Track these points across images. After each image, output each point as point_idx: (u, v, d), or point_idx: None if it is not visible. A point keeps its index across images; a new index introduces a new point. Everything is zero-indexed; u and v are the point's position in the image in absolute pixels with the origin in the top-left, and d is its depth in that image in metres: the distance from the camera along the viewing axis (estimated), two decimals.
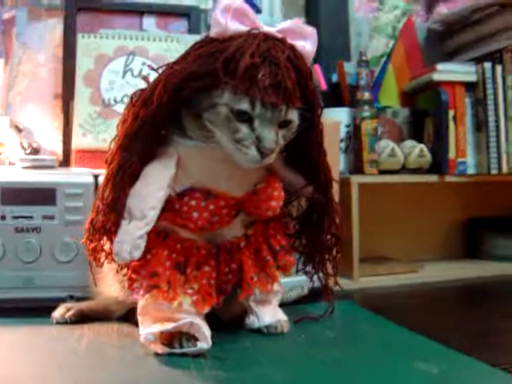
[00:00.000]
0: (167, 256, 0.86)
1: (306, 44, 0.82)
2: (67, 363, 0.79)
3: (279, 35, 0.80)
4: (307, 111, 0.83)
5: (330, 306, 1.03)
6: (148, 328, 0.84)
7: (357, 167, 1.44)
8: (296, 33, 0.81)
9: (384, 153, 1.42)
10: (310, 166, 0.90)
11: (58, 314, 1.00)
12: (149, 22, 1.49)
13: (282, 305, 1.04)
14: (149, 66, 0.86)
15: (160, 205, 0.83)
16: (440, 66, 1.46)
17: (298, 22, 0.83)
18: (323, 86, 1.51)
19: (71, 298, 1.10)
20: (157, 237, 0.87)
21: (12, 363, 0.79)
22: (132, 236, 0.81)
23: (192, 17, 1.51)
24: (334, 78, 1.56)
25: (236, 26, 0.78)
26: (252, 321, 0.94)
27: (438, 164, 1.46)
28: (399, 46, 1.59)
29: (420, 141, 1.51)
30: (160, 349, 0.81)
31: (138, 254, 0.81)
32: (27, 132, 1.41)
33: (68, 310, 1.01)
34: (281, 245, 0.95)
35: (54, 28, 1.46)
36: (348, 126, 1.47)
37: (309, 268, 1.00)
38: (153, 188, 0.82)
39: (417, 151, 1.44)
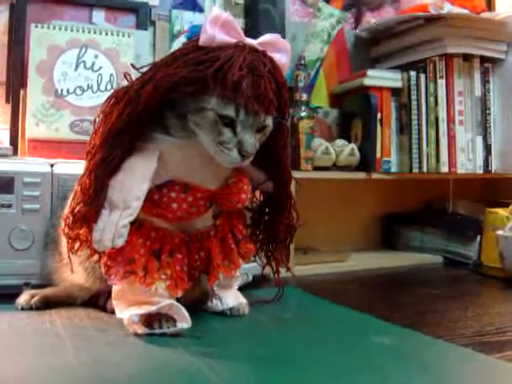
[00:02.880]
0: (142, 244, 0.92)
1: (282, 57, 0.90)
2: (52, 345, 0.82)
3: (260, 48, 0.87)
4: (280, 117, 0.92)
5: (281, 291, 1.12)
6: (127, 310, 0.89)
7: (293, 163, 1.54)
8: (273, 46, 0.90)
9: (319, 150, 1.54)
10: (275, 165, 0.98)
11: (22, 300, 1.03)
12: (98, 15, 1.51)
13: None
14: (131, 64, 0.90)
15: (143, 196, 0.88)
16: (370, 72, 1.60)
17: (275, 36, 0.91)
18: None
19: (27, 285, 1.11)
20: (131, 226, 0.92)
21: None
22: (115, 225, 0.86)
23: (140, 13, 1.55)
24: None
25: (223, 37, 0.85)
26: (215, 304, 1.02)
27: (366, 162, 1.60)
28: (330, 51, 1.71)
29: (347, 140, 1.63)
30: (142, 330, 0.87)
31: (120, 242, 0.86)
32: None
33: (33, 296, 1.04)
34: (243, 234, 1.03)
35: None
36: None
37: (261, 256, 1.09)
38: (137, 179, 0.88)
39: (348, 150, 1.57)
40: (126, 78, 0.91)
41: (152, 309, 0.87)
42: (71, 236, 0.91)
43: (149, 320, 0.88)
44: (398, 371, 0.73)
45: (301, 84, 1.53)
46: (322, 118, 1.67)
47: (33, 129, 1.29)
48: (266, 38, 0.90)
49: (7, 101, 1.42)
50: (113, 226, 0.86)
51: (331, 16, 1.61)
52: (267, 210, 1.06)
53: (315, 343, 0.85)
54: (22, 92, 1.38)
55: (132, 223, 0.92)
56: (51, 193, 1.15)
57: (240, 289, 1.22)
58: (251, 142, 0.86)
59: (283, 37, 1.61)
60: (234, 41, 0.85)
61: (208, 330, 0.92)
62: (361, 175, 1.60)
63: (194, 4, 1.65)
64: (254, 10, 1.69)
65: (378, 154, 1.60)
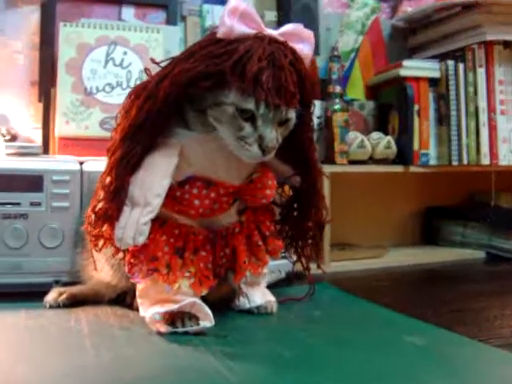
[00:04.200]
0: (165, 241, 0.90)
1: (305, 47, 0.87)
2: (75, 343, 0.82)
3: (281, 39, 0.84)
4: (303, 110, 0.88)
5: (312, 288, 1.09)
6: (150, 308, 0.88)
7: (328, 157, 1.51)
8: (295, 36, 0.86)
9: (353, 144, 1.50)
10: (301, 158, 0.96)
11: (50, 297, 1.03)
12: (127, 12, 1.51)
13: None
14: (151, 59, 0.89)
15: (164, 193, 0.86)
16: (406, 63, 1.55)
17: (298, 26, 0.88)
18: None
19: (57, 282, 1.12)
20: (154, 223, 0.90)
21: (18, 346, 0.82)
22: (136, 222, 0.85)
23: (170, 8, 1.54)
24: None
25: (242, 28, 0.82)
26: (243, 302, 1.00)
27: (403, 155, 1.55)
28: (365, 41, 1.67)
29: (384, 133, 1.59)
30: (164, 328, 0.85)
31: (141, 240, 0.85)
32: (3, 118, 1.41)
33: (60, 294, 1.03)
34: (270, 230, 1.00)
35: (30, 15, 1.46)
36: (319, 117, 1.53)
37: (291, 252, 1.06)
38: (158, 176, 0.86)
39: (384, 143, 1.52)
40: (146, 73, 0.90)
41: (174, 307, 0.86)
42: (93, 234, 0.90)
43: (172, 318, 0.87)
44: (428, 372, 0.70)
45: (334, 76, 1.50)
46: (357, 110, 1.63)
47: (63, 127, 1.29)
48: (288, 28, 0.87)
49: (40, 100, 1.43)
50: (134, 224, 0.85)
51: (365, 6, 1.57)
52: (296, 205, 1.03)
53: (342, 343, 0.82)
54: (53, 91, 1.39)
55: (155, 220, 0.91)
56: (80, 190, 1.15)
57: (272, 286, 1.20)
58: (272, 136, 0.83)
59: (317, 28, 1.62)
60: (253, 32, 0.83)
61: (233, 328, 0.90)
62: (398, 168, 1.55)
63: None
64: (286, 2, 1.66)
65: (416, 147, 1.55)
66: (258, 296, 1.01)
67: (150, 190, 0.85)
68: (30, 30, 1.46)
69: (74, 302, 1.03)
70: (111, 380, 0.68)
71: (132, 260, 0.90)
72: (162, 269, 0.89)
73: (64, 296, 1.03)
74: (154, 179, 0.86)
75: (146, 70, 0.90)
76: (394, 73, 1.57)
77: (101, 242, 0.91)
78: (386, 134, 1.59)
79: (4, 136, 1.33)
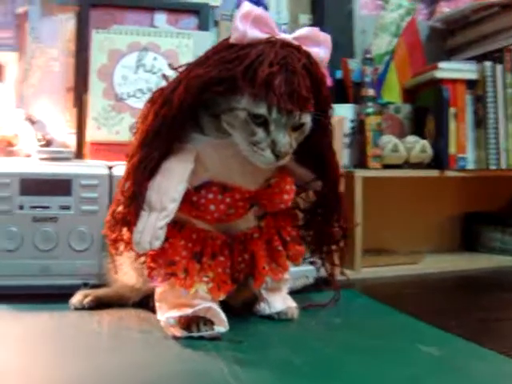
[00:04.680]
0: (184, 246, 0.91)
1: (321, 51, 0.86)
2: (92, 346, 0.83)
3: (295, 43, 0.83)
4: (319, 114, 0.87)
5: (337, 295, 1.07)
6: (167, 313, 0.88)
7: (361, 162, 1.49)
8: (311, 39, 0.85)
9: (387, 148, 1.47)
10: (320, 162, 0.94)
11: (76, 300, 1.04)
12: (160, 18, 1.53)
13: (289, 293, 1.08)
14: (169, 65, 0.89)
15: (180, 197, 0.86)
16: (442, 64, 1.51)
17: (313, 29, 0.87)
18: (329, 82, 1.55)
19: (86, 285, 1.13)
20: (173, 227, 0.91)
21: (37, 346, 0.83)
22: (152, 227, 0.85)
23: (202, 14, 1.55)
24: (338, 74, 1.61)
25: (255, 33, 0.81)
26: (263, 308, 0.99)
27: (439, 159, 1.51)
28: (401, 43, 1.63)
29: (421, 136, 1.55)
30: (179, 332, 0.85)
31: (158, 244, 0.85)
32: (40, 124, 1.45)
33: (86, 296, 1.05)
34: (291, 236, 0.99)
35: (66, 23, 1.49)
36: (352, 121, 1.51)
37: (315, 258, 1.05)
38: (173, 181, 0.86)
39: (419, 147, 1.49)
40: (164, 78, 0.91)
41: (188, 312, 0.86)
42: (112, 238, 0.91)
43: (187, 323, 0.87)
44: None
45: (367, 79, 1.47)
46: (393, 113, 1.60)
47: (94, 132, 1.32)
48: (303, 31, 0.86)
49: (75, 106, 1.47)
50: (151, 228, 0.85)
51: (400, 7, 1.54)
52: (319, 210, 1.01)
53: (355, 351, 0.81)
54: (86, 97, 1.41)
55: (174, 225, 0.92)
56: (109, 194, 1.17)
57: (300, 291, 1.19)
58: (285, 141, 0.82)
59: (351, 31, 1.60)
60: (266, 36, 0.82)
61: (249, 333, 0.90)
62: (433, 173, 1.51)
63: (257, 2, 1.63)
64: (319, 6, 1.64)
65: (452, 150, 1.51)
66: (279, 302, 1.00)
67: (166, 195, 0.86)
68: (66, 38, 1.49)
69: (99, 305, 1.04)
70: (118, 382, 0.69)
71: (151, 264, 0.91)
72: (180, 273, 0.89)
73: (89, 298, 1.05)
74: (170, 184, 0.86)
75: (164, 75, 0.91)
76: (429, 75, 1.54)
77: (121, 246, 0.92)
78: (423, 137, 1.55)
79: (39, 141, 1.36)
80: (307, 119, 0.85)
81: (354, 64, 1.56)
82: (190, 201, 0.89)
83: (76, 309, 1.03)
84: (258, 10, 0.82)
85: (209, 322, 0.86)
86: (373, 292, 1.24)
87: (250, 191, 0.91)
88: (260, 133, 0.82)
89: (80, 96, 1.43)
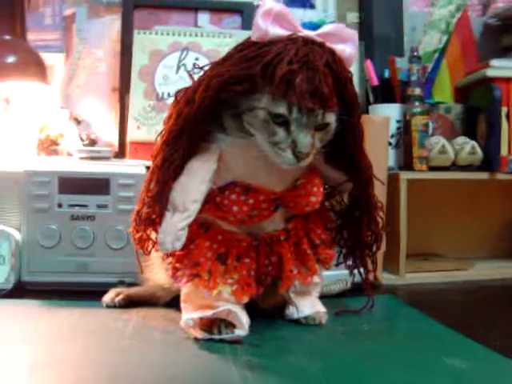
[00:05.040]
0: (209, 247, 0.90)
1: (346, 47, 0.82)
2: (112, 345, 0.83)
3: (319, 39, 0.81)
4: (345, 114, 0.84)
5: (370, 300, 1.04)
6: (189, 314, 0.88)
7: (406, 163, 1.44)
8: (336, 36, 0.82)
9: (434, 149, 1.41)
10: (349, 164, 0.91)
11: (108, 298, 1.05)
12: (203, 18, 1.53)
13: (325, 297, 1.07)
14: (194, 64, 0.89)
15: (202, 198, 0.86)
16: (494, 62, 1.43)
17: (338, 25, 0.84)
18: (374, 81, 1.51)
19: (122, 283, 1.14)
20: (199, 228, 0.91)
21: (64, 343, 0.84)
22: (175, 227, 0.85)
23: (245, 13, 1.54)
24: (387, 73, 1.56)
25: (276, 30, 0.79)
26: (291, 312, 0.97)
27: (489, 161, 1.44)
28: (454, 41, 1.57)
29: (473, 138, 1.48)
30: (199, 334, 0.84)
31: (179, 245, 0.85)
32: (86, 124, 1.48)
33: (117, 294, 1.06)
34: (321, 239, 0.96)
35: (112, 24, 1.52)
36: (399, 121, 1.46)
37: (349, 262, 1.02)
38: (195, 182, 0.86)
39: (468, 148, 1.42)
40: (189, 77, 0.90)
41: (209, 313, 0.85)
42: (140, 237, 0.92)
43: (209, 325, 0.86)
44: None
45: (413, 78, 1.42)
46: (443, 113, 1.53)
47: (134, 132, 1.33)
48: (328, 28, 0.83)
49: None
50: (174, 229, 0.85)
51: (450, 3, 1.48)
52: (351, 213, 0.98)
53: (375, 359, 0.77)
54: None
55: (200, 226, 0.91)
56: None
57: (336, 296, 1.16)
58: (306, 141, 0.79)
59: (401, 29, 1.55)
60: (288, 33, 0.80)
61: (271, 337, 0.87)
62: (483, 175, 1.44)
63: (304, 1, 1.61)
64: (368, 3, 1.60)
65: (504, 152, 1.43)
66: (307, 306, 0.97)
67: (188, 196, 0.85)
68: (111, 39, 1.52)
69: (130, 303, 1.05)
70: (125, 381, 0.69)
71: (177, 264, 0.91)
72: (204, 274, 0.88)
73: (120, 297, 1.05)
74: (193, 184, 0.86)
75: (190, 74, 0.90)
76: (481, 73, 1.46)
77: (149, 246, 0.92)
78: (475, 138, 1.48)
79: (82, 140, 1.39)
80: (331, 119, 0.82)
81: (402, 63, 1.51)
82: (214, 201, 0.88)
83: (107, 306, 1.04)
84: (280, 7, 0.80)
85: (230, 325, 0.85)
86: (415, 298, 1.19)
87: (275, 192, 0.88)
88: (281, 133, 0.80)
89: (123, 96, 1.45)
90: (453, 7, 1.47)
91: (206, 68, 0.86)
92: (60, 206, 1.16)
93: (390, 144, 1.45)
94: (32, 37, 1.48)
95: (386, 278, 1.36)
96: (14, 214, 1.18)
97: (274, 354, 0.80)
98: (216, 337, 0.84)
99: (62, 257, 1.16)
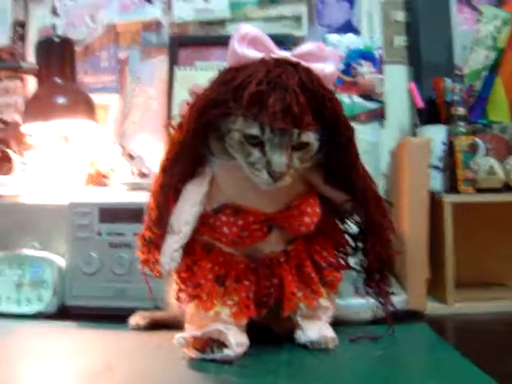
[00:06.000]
0: (210, 268, 0.92)
1: (326, 66, 0.83)
2: (117, 363, 0.87)
3: (294, 60, 0.82)
4: (329, 133, 0.84)
5: (391, 329, 0.99)
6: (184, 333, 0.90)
7: (451, 186, 1.38)
8: (314, 55, 0.83)
9: (481, 170, 1.35)
10: (345, 183, 0.90)
11: (133, 320, 1.10)
12: None
13: (353, 324, 1.07)
14: (189, 90, 0.93)
15: (193, 220, 0.89)
16: None
17: (317, 45, 0.84)
18: (419, 104, 1.48)
19: (157, 308, 1.18)
20: (202, 250, 0.94)
21: (77, 361, 0.89)
22: (170, 249, 0.89)
23: (286, 44, 1.56)
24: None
25: (251, 53, 0.82)
26: (299, 336, 0.95)
27: None
28: (509, 57, 1.50)
29: None
30: (193, 353, 0.86)
31: (174, 265, 0.88)
32: (139, 159, 1.56)
33: (143, 318, 1.11)
34: (327, 261, 0.95)
35: (162, 64, 1.61)
36: (445, 143, 1.41)
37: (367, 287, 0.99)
38: (188, 205, 0.89)
39: None
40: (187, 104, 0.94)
41: (198, 333, 0.87)
42: (145, 259, 0.96)
43: (204, 344, 0.87)
44: None
45: (456, 97, 1.37)
46: (498, 133, 1.45)
47: None
48: (305, 47, 0.84)
49: None
50: (169, 250, 0.89)
51: (495, 18, 1.42)
52: (360, 236, 0.97)
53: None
54: None
55: (203, 248, 0.94)
56: None
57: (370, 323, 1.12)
58: (281, 161, 0.80)
59: (450, 49, 1.51)
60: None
61: (268, 360, 0.86)
62: None
63: (349, 28, 1.61)
64: (414, 26, 1.58)
65: None
66: (314, 330, 0.94)
67: (181, 218, 0.89)
68: (161, 77, 1.60)
69: (155, 326, 1.09)
70: None
71: (181, 286, 0.94)
72: (203, 295, 0.90)
73: (145, 320, 1.10)
74: (185, 207, 0.89)
75: (187, 102, 0.94)
76: None
77: (154, 267, 0.95)
78: None
79: (133, 174, 1.47)
80: (310, 138, 0.82)
81: (449, 82, 1.47)
82: (208, 223, 0.91)
83: (133, 328, 1.09)
84: (255, 31, 0.82)
85: (222, 345, 0.86)
86: (451, 328, 1.13)
87: (266, 214, 0.89)
88: (256, 153, 0.81)
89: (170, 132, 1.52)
90: (499, 22, 1.41)
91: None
92: (99, 234, 1.23)
93: (436, 167, 1.40)
94: (90, 79, 1.61)
95: (431, 307, 1.30)
96: (61, 243, 1.27)
97: (255, 375, 0.80)
98: (208, 356, 0.85)
99: (101, 283, 1.23)
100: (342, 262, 1.00)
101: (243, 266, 0.92)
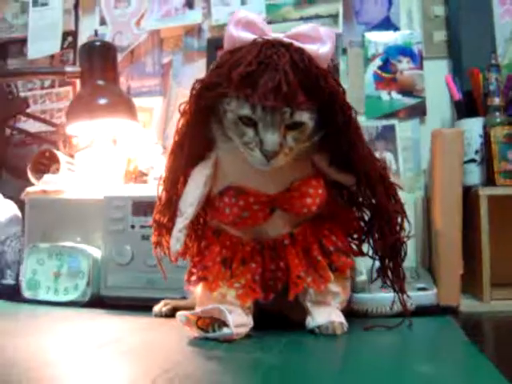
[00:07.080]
0: (219, 252, 0.94)
1: (321, 47, 0.84)
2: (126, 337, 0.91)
3: (286, 40, 0.83)
4: (325, 112, 0.84)
5: (408, 320, 0.97)
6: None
7: (488, 179, 1.33)
8: (308, 36, 0.84)
9: None
10: (348, 165, 0.90)
11: (157, 308, 1.14)
12: None
13: (382, 316, 1.07)
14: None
15: (197, 202, 0.91)
16: None
17: (312, 26, 0.85)
18: (456, 96, 1.44)
19: (184, 298, 1.21)
20: (213, 234, 0.96)
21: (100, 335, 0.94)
22: (176, 230, 0.91)
23: None
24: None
25: (246, 36, 0.84)
26: (308, 321, 0.94)
27: None
28: None
29: None
30: (196, 332, 0.88)
31: (179, 246, 0.91)
32: None
33: (166, 305, 1.14)
34: (336, 246, 0.95)
35: (202, 67, 1.66)
36: (482, 136, 1.37)
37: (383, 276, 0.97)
38: (192, 187, 0.92)
39: None
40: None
41: (197, 311, 0.88)
42: (158, 242, 0.99)
43: (207, 323, 0.88)
44: None
45: (492, 87, 1.33)
46: None
47: None
48: (299, 29, 0.85)
49: None
50: (175, 231, 0.92)
51: None
52: (370, 222, 0.96)
53: (366, 377, 0.68)
54: None
55: (213, 232, 0.96)
56: None
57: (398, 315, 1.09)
58: (273, 140, 0.81)
59: (491, 41, 1.47)
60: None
61: (266, 340, 0.87)
62: None
63: (388, 25, 1.60)
64: (454, 21, 1.54)
65: None
66: (322, 316, 0.93)
67: (186, 200, 0.92)
68: None
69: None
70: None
71: (192, 269, 0.96)
72: (210, 277, 0.92)
73: (168, 307, 1.13)
74: (190, 189, 0.93)
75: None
76: None
77: (165, 250, 0.98)
78: None
79: None
80: (304, 117, 0.83)
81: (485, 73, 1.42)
82: (214, 206, 0.93)
83: (156, 315, 1.13)
84: (251, 15, 0.85)
85: (222, 324, 0.87)
86: (491, 327, 1.10)
87: (268, 195, 0.90)
88: (249, 133, 0.83)
89: None
90: None
91: None
92: (133, 227, 1.28)
93: (473, 161, 1.36)
94: (136, 84, 1.68)
95: (466, 304, 1.25)
96: (99, 235, 1.33)
97: (243, 350, 0.80)
98: (210, 335, 0.86)
99: (134, 273, 1.27)
100: (355, 248, 0.99)
101: (249, 249, 0.93)
